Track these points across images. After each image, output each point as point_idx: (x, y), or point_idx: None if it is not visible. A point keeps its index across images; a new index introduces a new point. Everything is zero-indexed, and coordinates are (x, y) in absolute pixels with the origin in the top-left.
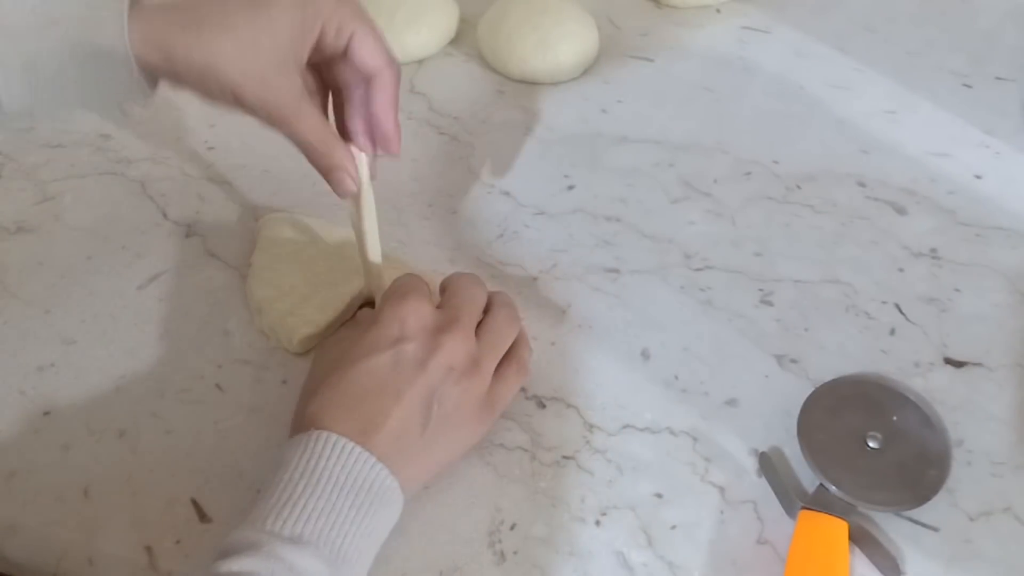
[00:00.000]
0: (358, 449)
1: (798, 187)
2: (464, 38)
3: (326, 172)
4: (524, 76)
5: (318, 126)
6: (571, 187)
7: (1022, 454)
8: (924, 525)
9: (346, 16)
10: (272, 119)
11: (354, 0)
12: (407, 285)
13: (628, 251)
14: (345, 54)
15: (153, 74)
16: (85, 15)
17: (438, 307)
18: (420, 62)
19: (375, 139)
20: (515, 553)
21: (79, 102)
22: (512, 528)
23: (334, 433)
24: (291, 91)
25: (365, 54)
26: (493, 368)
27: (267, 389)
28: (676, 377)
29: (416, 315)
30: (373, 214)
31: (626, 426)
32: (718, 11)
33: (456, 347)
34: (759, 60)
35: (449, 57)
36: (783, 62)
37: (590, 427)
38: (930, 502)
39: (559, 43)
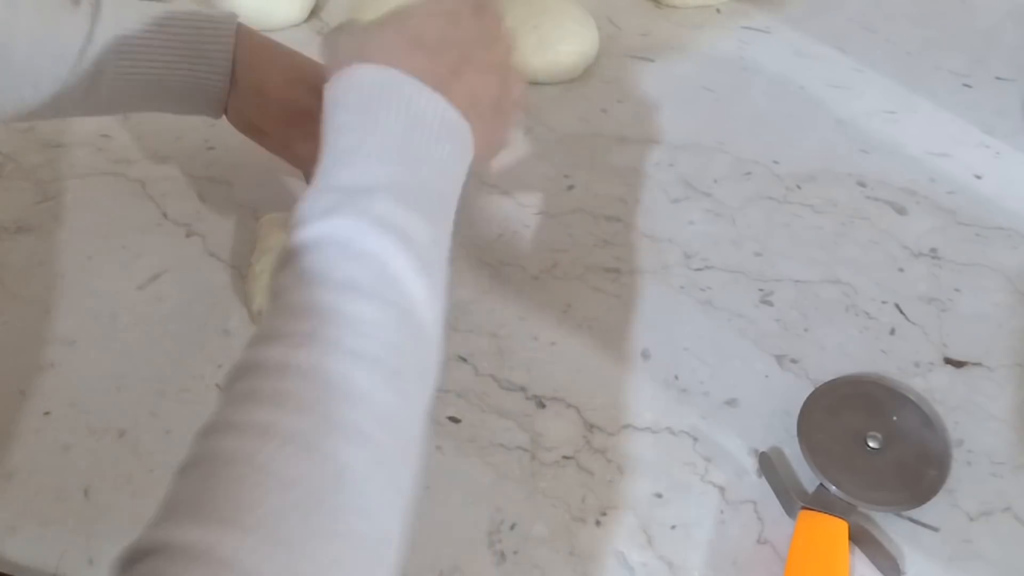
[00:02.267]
0: (427, 88)
1: (798, 187)
2: None
3: None
4: (524, 76)
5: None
6: (571, 187)
7: (1022, 454)
8: (924, 525)
9: None
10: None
11: None
12: None
13: (628, 251)
14: None
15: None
16: (200, 26)
17: None
18: None
19: None
20: (515, 553)
21: (164, 99)
22: (512, 528)
23: (394, 70)
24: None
25: None
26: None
27: None
28: (676, 377)
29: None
30: None
31: (626, 426)
32: (718, 11)
33: (508, 41)
34: (759, 60)
35: None
36: (783, 62)
37: (590, 427)
38: (930, 502)
39: (559, 43)
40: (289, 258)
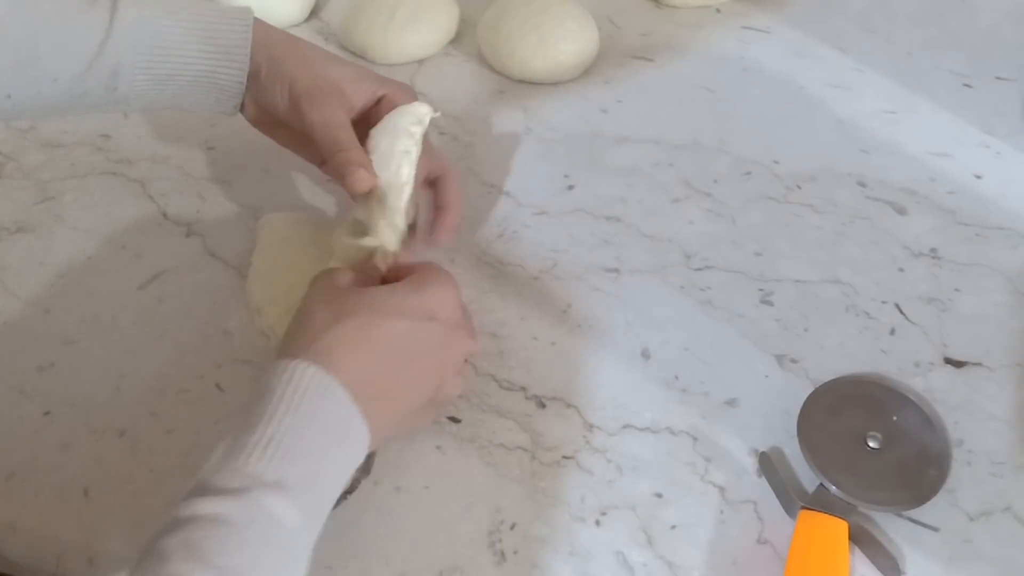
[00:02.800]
0: (352, 400)
1: (798, 187)
2: (464, 38)
3: (343, 167)
4: (524, 76)
5: (345, 130)
6: (571, 187)
7: (1022, 454)
8: (924, 525)
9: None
10: (311, 124)
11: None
12: (448, 276)
13: (628, 251)
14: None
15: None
16: (219, 21)
17: None
18: (420, 62)
19: (440, 221)
20: (515, 553)
21: (184, 96)
22: (512, 528)
23: (330, 374)
24: (334, 109)
25: (433, 158)
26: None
27: None
28: (676, 377)
29: (453, 303)
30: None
31: (626, 426)
32: (718, 11)
33: (466, 346)
34: (759, 60)
35: (449, 57)
36: (783, 62)
37: (590, 427)
38: (930, 502)
39: (559, 43)
40: (178, 525)
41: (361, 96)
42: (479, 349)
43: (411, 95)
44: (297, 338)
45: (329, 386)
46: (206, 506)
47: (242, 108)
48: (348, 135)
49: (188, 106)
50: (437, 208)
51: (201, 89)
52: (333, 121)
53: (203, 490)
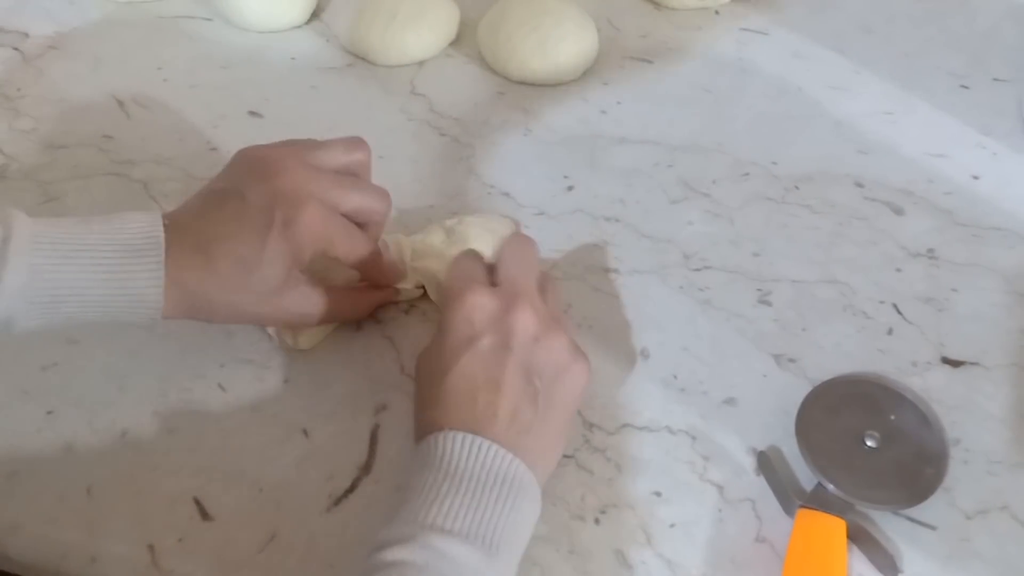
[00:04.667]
0: (487, 443)
1: (796, 187)
2: (464, 39)
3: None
4: (524, 77)
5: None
6: (571, 187)
7: (1019, 453)
8: (922, 524)
9: (327, 240)
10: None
11: (335, 215)
12: (460, 278)
13: (628, 251)
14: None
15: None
16: (124, 260)
17: (495, 282)
18: (420, 63)
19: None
20: None
21: (91, 320)
22: None
23: (459, 431)
24: (304, 296)
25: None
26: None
27: (269, 388)
28: (675, 376)
29: (479, 308)
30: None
31: (625, 425)
32: (717, 13)
33: (527, 319)
34: (757, 62)
35: (449, 58)
36: (781, 64)
37: (589, 426)
38: (927, 501)
39: (559, 45)
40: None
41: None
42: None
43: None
44: (419, 422)
45: (462, 443)
46: (382, 556)
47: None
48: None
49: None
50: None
51: (112, 323)
52: (326, 305)
53: (377, 547)
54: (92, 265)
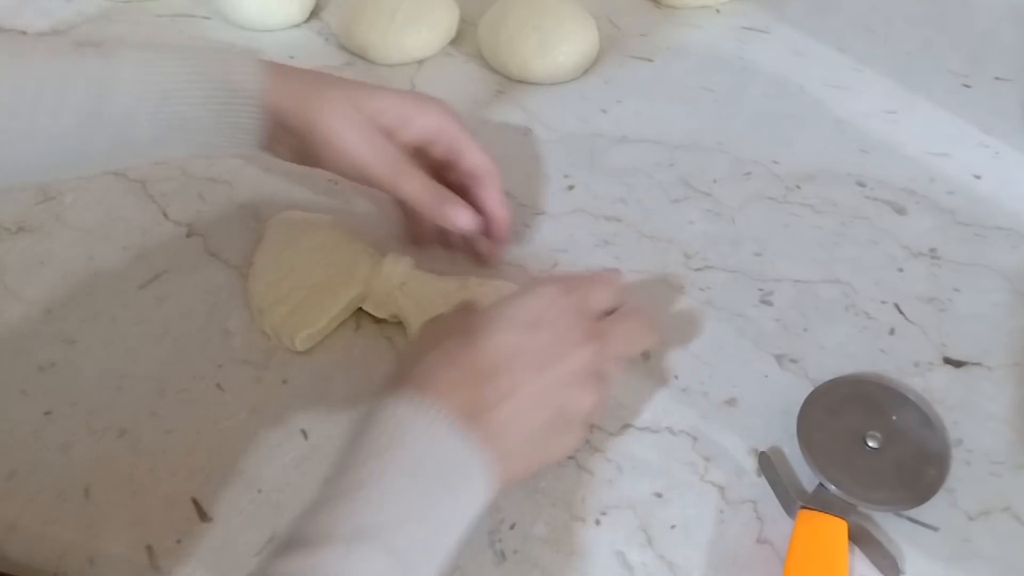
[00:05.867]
0: (455, 426)
1: (797, 187)
2: (464, 38)
3: (443, 217)
4: (524, 77)
5: (423, 181)
6: (571, 187)
7: (1021, 453)
8: (923, 524)
9: (452, 126)
10: (376, 181)
11: (457, 115)
12: (552, 278)
13: (628, 251)
14: (453, 162)
15: (271, 121)
16: (225, 59)
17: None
18: (420, 63)
19: (488, 230)
20: (515, 553)
21: (200, 139)
22: (512, 528)
23: (428, 401)
24: (388, 155)
25: (472, 161)
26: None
27: (267, 389)
28: (676, 377)
29: (558, 307)
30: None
31: (626, 426)
32: (718, 11)
33: (590, 356)
34: (759, 60)
35: (449, 57)
36: (783, 62)
37: (590, 426)
38: (929, 502)
39: (559, 44)
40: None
41: (408, 133)
42: (602, 351)
43: (454, 127)
44: (398, 376)
45: (425, 415)
46: (286, 564)
47: (271, 148)
48: (422, 186)
49: (207, 151)
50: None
51: (217, 131)
52: (397, 180)
53: (287, 544)
54: (196, 63)
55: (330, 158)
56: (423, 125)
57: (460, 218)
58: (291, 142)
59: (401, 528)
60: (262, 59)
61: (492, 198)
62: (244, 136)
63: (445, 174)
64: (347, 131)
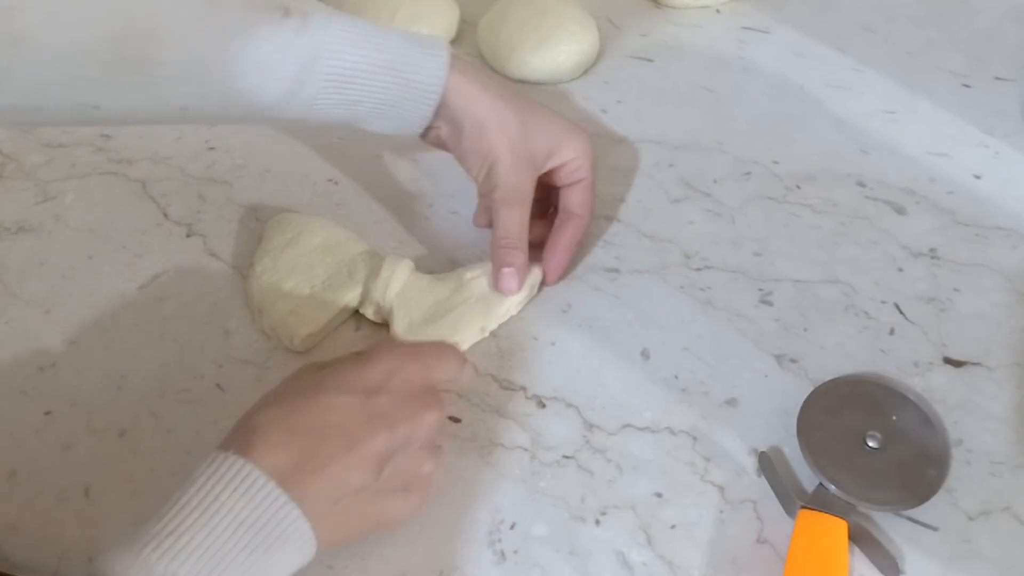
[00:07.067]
0: (271, 485)
1: (798, 187)
2: (464, 38)
3: (500, 266)
4: (524, 76)
5: (522, 224)
6: None
7: (1021, 453)
8: (923, 524)
9: (585, 162)
10: (499, 196)
11: (594, 152)
12: (399, 350)
13: (628, 251)
14: (563, 187)
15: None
16: (413, 54)
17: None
18: None
19: (545, 262)
20: (515, 552)
21: (375, 113)
22: (512, 527)
23: (250, 462)
24: (527, 182)
25: (578, 199)
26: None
27: (267, 388)
28: (676, 377)
29: (404, 375)
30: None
31: (626, 426)
32: (718, 11)
33: (432, 423)
34: (759, 60)
35: None
36: (783, 62)
37: (590, 427)
38: (929, 501)
39: (559, 44)
40: None
41: (550, 163)
42: (439, 421)
43: (584, 159)
44: (237, 424)
45: (243, 474)
46: None
47: (426, 133)
48: (517, 226)
49: (366, 128)
50: (545, 241)
51: (384, 116)
52: (513, 205)
53: (101, 566)
54: (387, 46)
55: (471, 158)
56: (564, 156)
57: (505, 282)
58: (447, 131)
59: (185, 566)
60: (449, 60)
61: (567, 239)
62: (406, 126)
63: (550, 191)
64: (500, 144)
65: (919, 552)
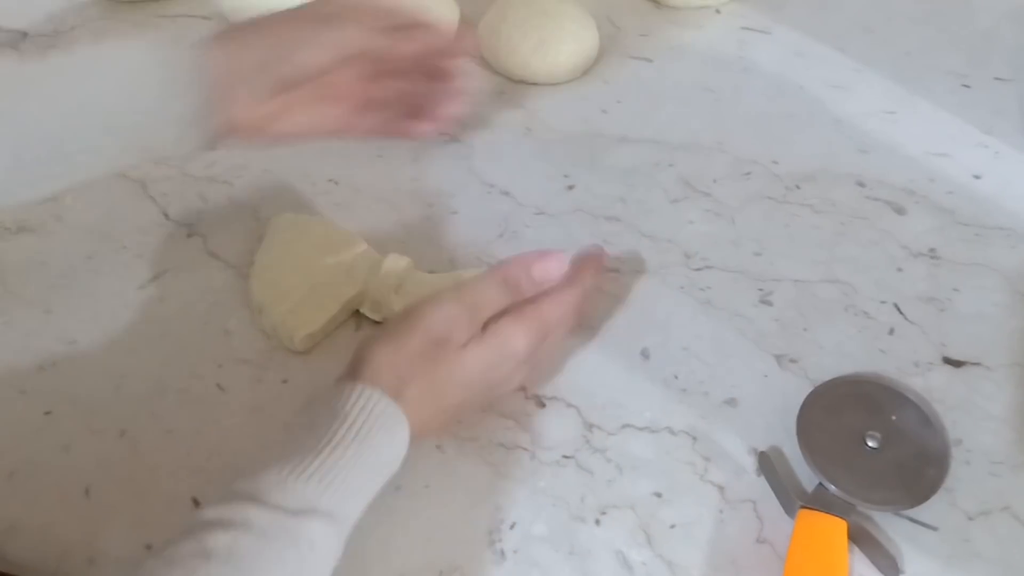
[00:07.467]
0: (389, 401)
1: (797, 187)
2: None
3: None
4: (524, 77)
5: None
6: (571, 187)
7: (1020, 453)
8: (923, 524)
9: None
10: None
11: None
12: (496, 266)
13: (628, 251)
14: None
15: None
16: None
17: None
18: None
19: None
20: (515, 552)
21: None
22: (512, 527)
23: (401, 411)
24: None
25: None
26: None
27: (267, 389)
28: (676, 376)
29: (491, 301)
30: None
31: (625, 425)
32: (718, 11)
33: (520, 337)
34: (758, 60)
35: None
36: (782, 62)
37: (590, 426)
38: (929, 501)
39: (559, 44)
40: (226, 525)
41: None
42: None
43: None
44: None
45: (398, 421)
46: (259, 516)
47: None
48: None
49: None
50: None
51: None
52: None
53: (255, 497)
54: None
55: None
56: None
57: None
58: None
59: (354, 516)
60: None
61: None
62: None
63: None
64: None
65: (919, 552)
